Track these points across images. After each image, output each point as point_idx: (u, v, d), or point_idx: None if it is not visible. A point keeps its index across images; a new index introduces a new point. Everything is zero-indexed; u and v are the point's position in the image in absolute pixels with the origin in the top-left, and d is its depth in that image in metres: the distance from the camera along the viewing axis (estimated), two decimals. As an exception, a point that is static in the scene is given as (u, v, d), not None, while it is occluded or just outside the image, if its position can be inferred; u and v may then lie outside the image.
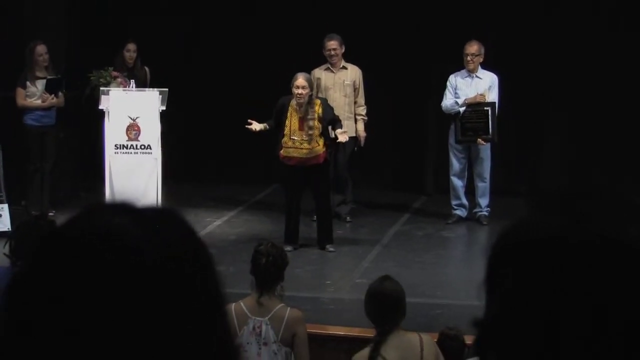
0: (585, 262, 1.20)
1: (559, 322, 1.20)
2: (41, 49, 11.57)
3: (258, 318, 6.17)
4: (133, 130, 10.85)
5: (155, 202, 10.52)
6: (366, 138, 11.65)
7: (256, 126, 10.43)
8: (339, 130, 10.40)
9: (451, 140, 11.61)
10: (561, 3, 12.87)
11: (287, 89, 10.51)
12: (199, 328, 1.26)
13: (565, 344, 1.19)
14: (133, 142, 10.84)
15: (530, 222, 1.27)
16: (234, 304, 6.14)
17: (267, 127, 10.46)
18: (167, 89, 11.02)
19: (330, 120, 10.46)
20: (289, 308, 6.27)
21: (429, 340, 5.84)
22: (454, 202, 11.77)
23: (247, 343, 6.16)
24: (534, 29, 12.85)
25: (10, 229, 10.33)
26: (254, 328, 6.16)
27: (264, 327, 6.16)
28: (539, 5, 12.95)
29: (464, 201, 11.76)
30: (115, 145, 10.86)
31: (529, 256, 1.24)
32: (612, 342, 1.18)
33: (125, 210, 1.31)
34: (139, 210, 1.31)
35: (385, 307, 5.68)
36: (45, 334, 1.22)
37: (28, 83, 11.62)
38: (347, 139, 10.62)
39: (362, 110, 11.64)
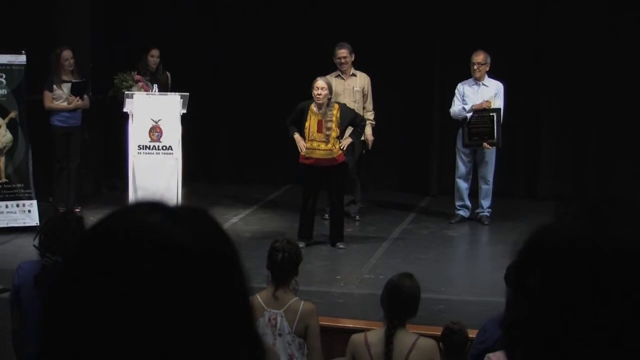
0: (612, 266, 1.19)
1: (586, 324, 1.19)
2: (67, 54, 11.57)
3: (273, 310, 6.19)
4: (155, 132, 10.86)
5: (175, 200, 10.52)
6: (374, 142, 11.64)
7: (301, 140, 10.37)
8: (346, 137, 10.42)
9: (459, 144, 11.61)
10: (555, 13, 12.84)
11: (300, 93, 10.52)
12: (229, 317, 1.27)
13: (593, 345, 1.18)
14: (155, 143, 10.86)
15: (557, 226, 1.26)
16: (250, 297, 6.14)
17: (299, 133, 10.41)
18: (187, 93, 11.03)
19: (351, 121, 10.47)
20: (302, 301, 6.30)
21: (427, 345, 5.69)
22: (457, 203, 11.77)
23: (263, 334, 6.18)
24: (529, 39, 12.86)
25: (38, 224, 10.36)
26: (269, 320, 6.19)
27: (279, 319, 6.19)
28: (533, 16, 12.96)
29: (467, 202, 11.76)
30: (139, 146, 10.87)
31: (557, 259, 1.22)
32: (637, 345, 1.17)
33: (159, 208, 1.31)
34: (172, 209, 1.32)
35: (397, 303, 5.67)
36: (91, 323, 1.23)
37: (55, 86, 11.63)
38: (346, 144, 10.53)
39: (371, 115, 11.63)
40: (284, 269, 6.23)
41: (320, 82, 10.26)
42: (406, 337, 5.67)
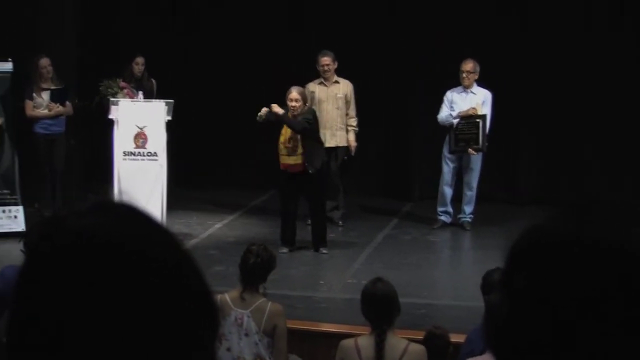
0: (600, 265, 1.18)
1: (573, 324, 1.17)
2: (44, 62, 11.52)
3: (240, 310, 6.22)
4: (140, 138, 10.84)
5: (160, 206, 10.53)
6: (357, 148, 11.65)
7: (277, 108, 10.24)
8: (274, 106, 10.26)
9: (445, 150, 11.60)
10: (532, 24, 12.87)
11: (284, 100, 10.52)
12: (184, 306, 1.24)
13: (578, 345, 1.17)
14: (140, 150, 10.83)
15: (545, 227, 1.25)
16: (219, 295, 6.19)
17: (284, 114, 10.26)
18: (172, 100, 11.01)
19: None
20: (270, 302, 6.35)
21: (417, 350, 5.71)
22: (440, 209, 11.75)
23: (229, 332, 6.24)
24: (509, 50, 12.85)
25: (24, 229, 10.32)
26: (235, 319, 6.24)
27: (245, 319, 6.23)
28: (516, 25, 12.98)
29: (450, 208, 11.76)
30: (124, 152, 10.84)
31: (544, 258, 1.21)
32: (622, 343, 1.16)
33: (100, 210, 1.29)
34: (112, 209, 1.30)
35: (380, 308, 5.66)
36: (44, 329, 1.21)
37: (34, 94, 11.59)
38: (274, 109, 10.28)
39: (354, 121, 11.66)
40: (253, 273, 6.29)
41: (294, 94, 10.27)
42: (397, 343, 5.67)
